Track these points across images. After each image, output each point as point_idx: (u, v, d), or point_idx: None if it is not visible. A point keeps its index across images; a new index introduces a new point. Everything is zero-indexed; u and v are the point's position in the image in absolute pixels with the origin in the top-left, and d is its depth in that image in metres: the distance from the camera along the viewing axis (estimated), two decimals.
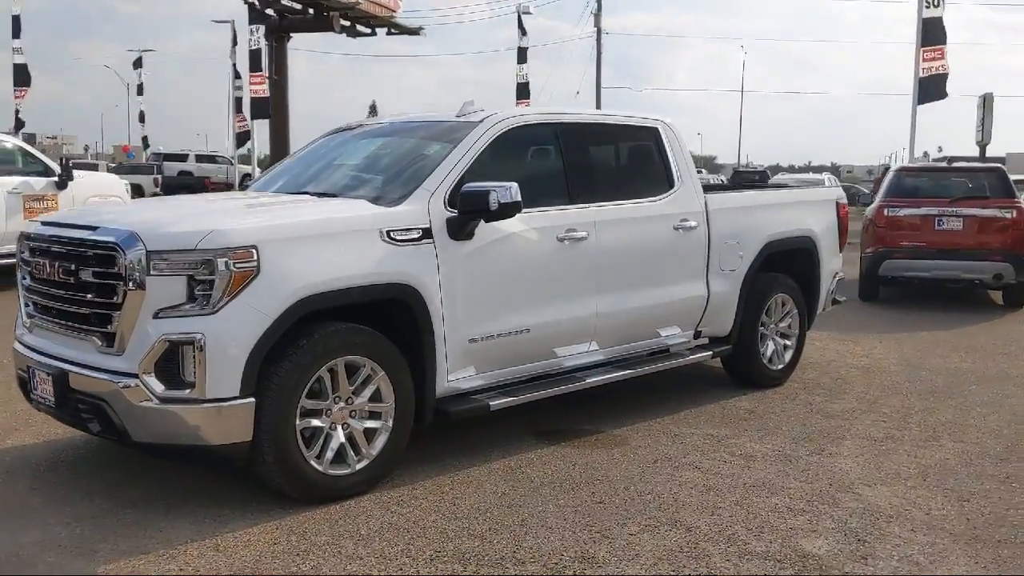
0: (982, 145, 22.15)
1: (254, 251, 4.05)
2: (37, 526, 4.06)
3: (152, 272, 3.99)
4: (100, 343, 4.16)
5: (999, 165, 12.33)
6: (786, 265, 6.90)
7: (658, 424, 5.75)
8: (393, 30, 25.79)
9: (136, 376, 3.98)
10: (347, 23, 24.00)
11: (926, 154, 45.88)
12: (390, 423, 4.51)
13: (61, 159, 12.98)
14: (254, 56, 25.46)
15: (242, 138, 29.93)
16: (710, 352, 6.38)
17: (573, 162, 5.57)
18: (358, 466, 4.42)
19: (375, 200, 4.79)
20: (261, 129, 25.58)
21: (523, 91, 30.45)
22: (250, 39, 25.40)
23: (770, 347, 6.80)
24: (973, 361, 7.97)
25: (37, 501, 4.38)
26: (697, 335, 6.32)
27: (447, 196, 4.77)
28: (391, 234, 4.51)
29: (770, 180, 26.71)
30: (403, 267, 4.52)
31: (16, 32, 23.54)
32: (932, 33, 16.48)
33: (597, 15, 44.74)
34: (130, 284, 4.02)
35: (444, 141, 5.15)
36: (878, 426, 5.83)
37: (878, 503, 4.46)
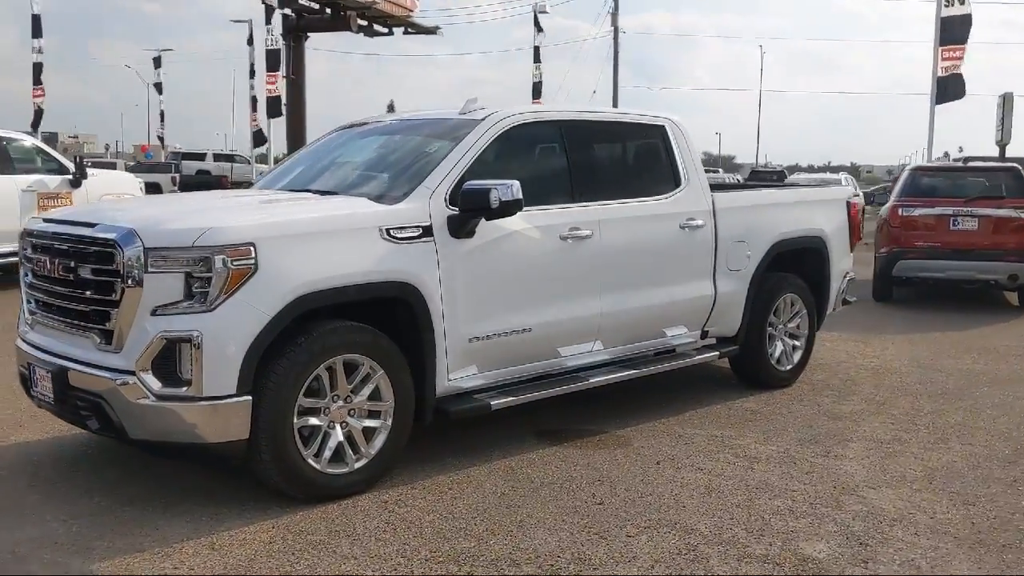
0: (1002, 145, 21.89)
1: (251, 248, 4.04)
2: (34, 523, 4.07)
3: (150, 269, 3.99)
4: (98, 340, 4.16)
5: (1015, 165, 12.17)
6: (795, 265, 6.83)
7: (662, 425, 5.71)
8: (410, 29, 25.78)
9: (133, 373, 3.98)
10: (364, 23, 24.01)
11: (947, 154, 45.32)
12: (389, 422, 4.49)
13: (75, 157, 13.10)
14: (271, 55, 25.64)
15: (259, 137, 30.14)
16: (717, 352, 6.33)
17: (577, 160, 5.53)
18: (356, 465, 4.40)
19: (376, 198, 4.77)
20: (278, 128, 25.70)
21: (538, 90, 30.41)
22: (267, 39, 25.58)
23: (778, 348, 6.73)
24: (986, 363, 7.87)
25: (36, 498, 4.39)
26: (704, 335, 6.27)
27: (448, 194, 4.74)
28: (391, 232, 4.49)
29: (786, 180, 26.57)
30: (403, 265, 4.50)
31: (37, 31, 23.68)
32: (950, 32, 16.32)
33: (614, 14, 44.69)
34: (128, 281, 4.01)
35: (446, 139, 5.13)
36: (886, 428, 5.76)
37: (882, 506, 4.40)
